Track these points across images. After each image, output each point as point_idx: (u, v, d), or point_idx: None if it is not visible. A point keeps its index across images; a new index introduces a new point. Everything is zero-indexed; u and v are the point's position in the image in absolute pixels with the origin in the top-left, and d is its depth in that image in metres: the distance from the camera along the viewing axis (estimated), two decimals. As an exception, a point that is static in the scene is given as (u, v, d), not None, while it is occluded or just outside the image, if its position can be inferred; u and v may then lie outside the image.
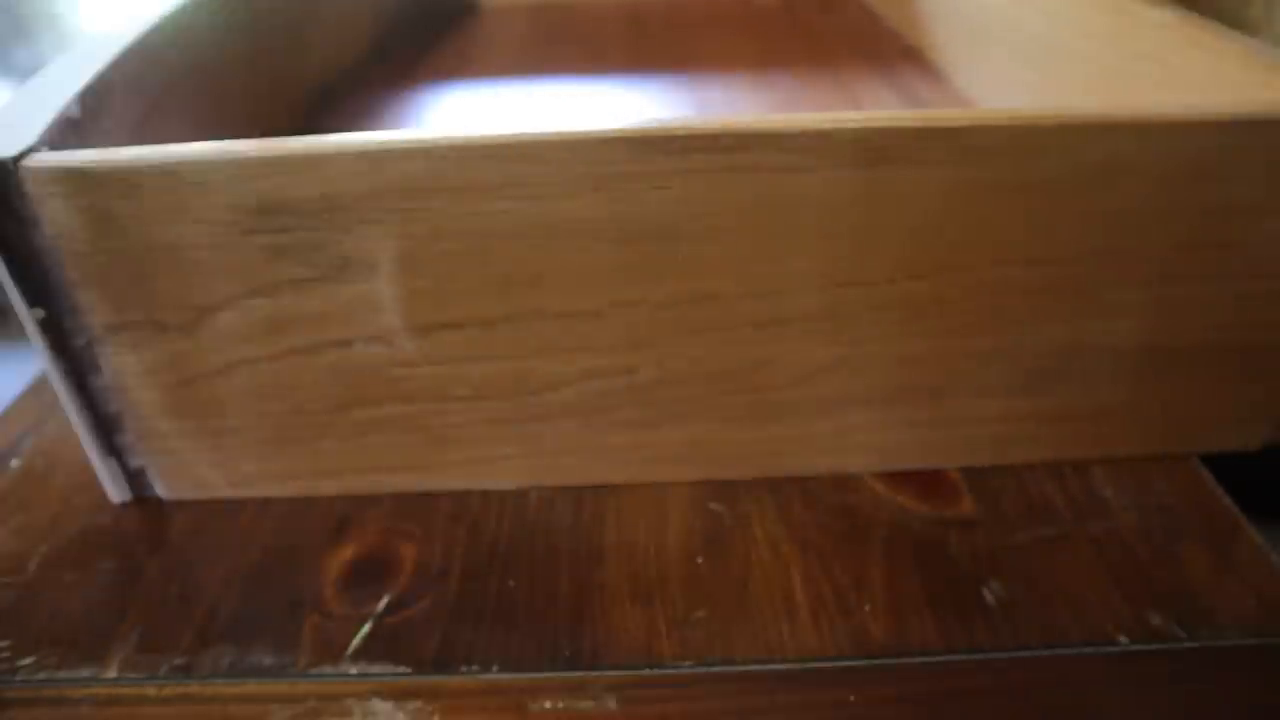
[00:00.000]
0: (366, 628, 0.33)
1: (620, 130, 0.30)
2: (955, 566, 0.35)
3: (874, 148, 0.31)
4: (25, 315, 0.33)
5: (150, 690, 0.32)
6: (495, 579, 0.35)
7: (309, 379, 0.35)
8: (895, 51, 0.80)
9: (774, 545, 0.37)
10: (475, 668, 0.32)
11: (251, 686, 0.32)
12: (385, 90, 0.74)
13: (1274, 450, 0.41)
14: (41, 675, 0.32)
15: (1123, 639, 0.33)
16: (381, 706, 0.31)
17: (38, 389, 0.47)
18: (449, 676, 0.32)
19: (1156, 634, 0.33)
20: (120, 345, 0.34)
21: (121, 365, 0.35)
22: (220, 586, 0.36)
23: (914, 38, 0.81)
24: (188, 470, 0.38)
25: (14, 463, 0.42)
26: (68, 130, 0.33)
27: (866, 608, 0.34)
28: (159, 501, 0.39)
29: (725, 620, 0.34)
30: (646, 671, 0.32)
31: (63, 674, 0.32)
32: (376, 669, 0.32)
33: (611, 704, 0.31)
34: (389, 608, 0.34)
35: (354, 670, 0.32)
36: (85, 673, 0.32)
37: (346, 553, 0.37)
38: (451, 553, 0.37)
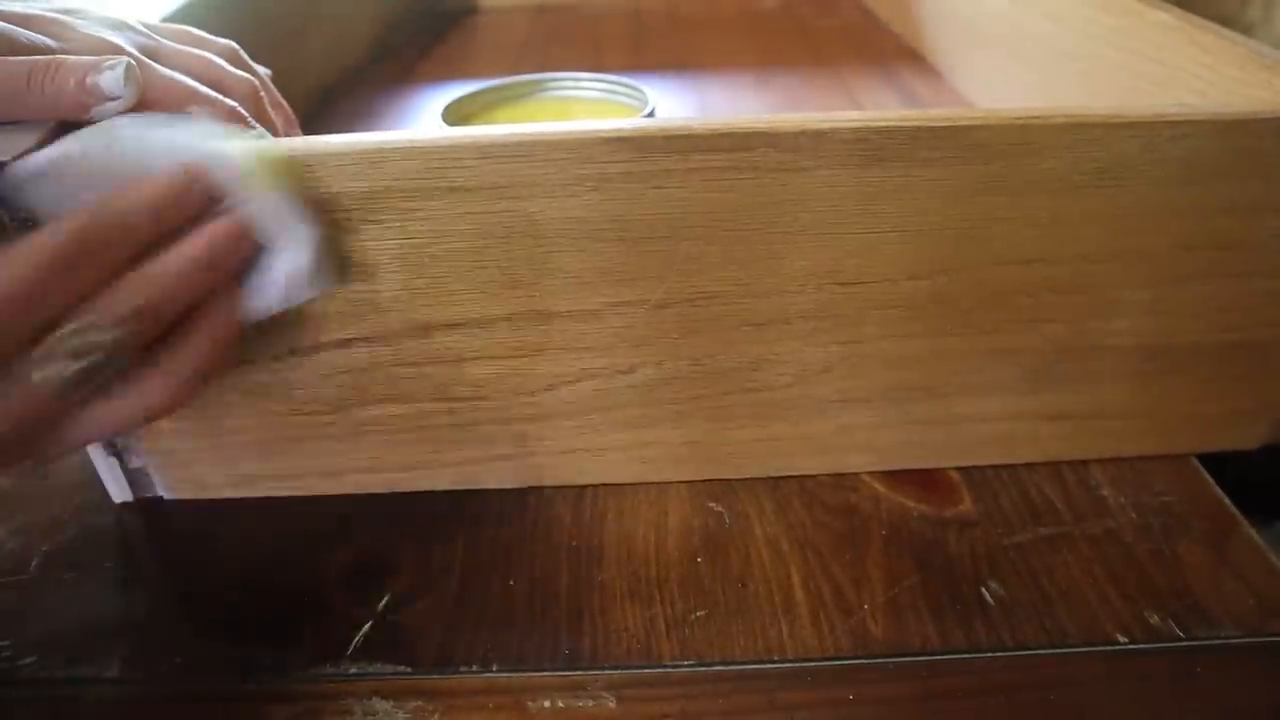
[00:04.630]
0: (366, 628, 0.34)
1: (620, 130, 0.30)
2: (955, 566, 0.35)
3: (874, 147, 0.31)
4: (25, 315, 0.33)
5: (150, 690, 0.32)
6: (495, 579, 0.36)
7: (309, 379, 0.35)
8: (894, 52, 0.80)
9: (774, 545, 0.37)
10: (475, 668, 0.32)
11: (251, 686, 0.32)
12: (385, 90, 0.74)
13: (1273, 450, 0.41)
14: (42, 675, 0.32)
15: (1121, 638, 0.33)
16: (381, 706, 0.31)
17: (38, 389, 0.47)
18: (449, 676, 0.32)
19: (1155, 633, 0.33)
20: (120, 345, 0.34)
21: (122, 365, 0.35)
22: (220, 586, 0.36)
23: (913, 38, 0.81)
24: (188, 470, 0.38)
25: (14, 463, 0.42)
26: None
27: (866, 607, 0.34)
28: (160, 501, 0.39)
29: (725, 620, 0.34)
30: (646, 671, 0.32)
31: (63, 674, 0.32)
32: (376, 669, 0.32)
33: (611, 703, 0.31)
34: (389, 608, 0.34)
35: (354, 670, 0.32)
36: (85, 673, 0.32)
37: (346, 553, 0.37)
38: (451, 553, 0.37)
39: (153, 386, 0.28)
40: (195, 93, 0.34)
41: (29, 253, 0.25)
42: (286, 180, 0.30)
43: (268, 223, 0.29)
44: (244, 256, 0.30)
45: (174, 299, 0.28)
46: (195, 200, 0.28)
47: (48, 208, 0.29)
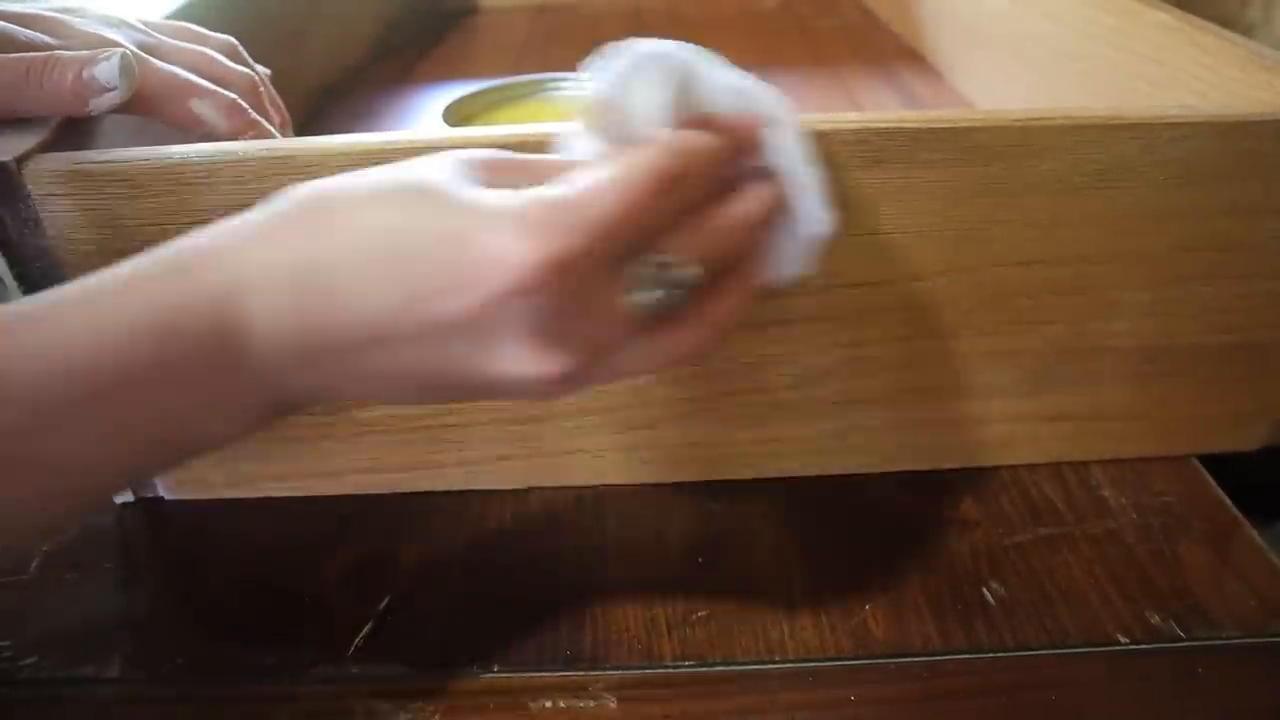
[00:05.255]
0: (367, 628, 0.34)
1: (621, 131, 0.30)
2: (955, 566, 0.35)
3: (874, 149, 0.31)
4: (26, 315, 0.33)
5: (150, 690, 0.32)
6: (495, 579, 0.35)
7: (309, 379, 0.35)
8: (895, 52, 0.80)
9: (774, 545, 0.37)
10: (475, 668, 0.32)
11: (252, 687, 0.32)
12: (385, 90, 0.74)
13: (1273, 451, 0.41)
14: (42, 675, 0.32)
15: (1122, 639, 0.33)
16: (382, 706, 0.31)
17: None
18: (449, 676, 0.32)
19: (1156, 633, 0.33)
20: (121, 345, 0.34)
21: (122, 365, 0.35)
22: (220, 586, 0.36)
23: (913, 38, 0.81)
24: (188, 470, 0.38)
25: (14, 463, 0.42)
26: (69, 131, 0.33)
27: (867, 608, 0.34)
28: (159, 501, 0.39)
29: (726, 620, 0.34)
30: (647, 671, 0.32)
31: (63, 674, 0.32)
32: (376, 669, 0.32)
33: (612, 704, 0.31)
34: (389, 607, 0.34)
35: (354, 670, 0.32)
36: (85, 673, 0.32)
37: (346, 553, 0.37)
38: (451, 553, 0.37)
39: (686, 335, 0.27)
40: (194, 86, 0.34)
41: (634, 179, 0.24)
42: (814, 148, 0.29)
43: (799, 185, 0.28)
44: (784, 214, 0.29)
45: (742, 246, 0.27)
46: (759, 149, 0.28)
47: (619, 114, 0.28)
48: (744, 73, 0.28)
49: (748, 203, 0.27)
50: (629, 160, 0.25)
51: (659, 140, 0.26)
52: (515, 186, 0.24)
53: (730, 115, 0.28)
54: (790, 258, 0.30)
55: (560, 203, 0.23)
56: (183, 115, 0.34)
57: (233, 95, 0.35)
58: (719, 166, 0.27)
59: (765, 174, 0.28)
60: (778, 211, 0.28)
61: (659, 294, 0.25)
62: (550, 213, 0.23)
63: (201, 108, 0.34)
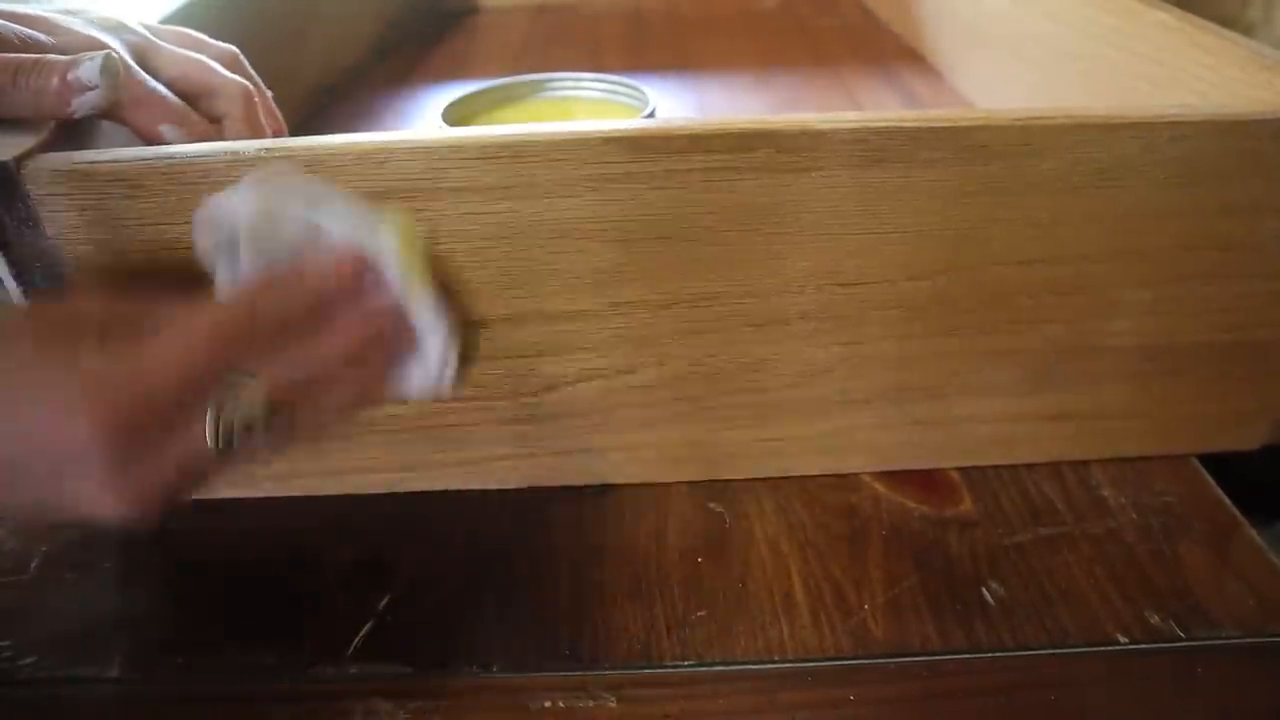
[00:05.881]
0: (366, 628, 0.34)
1: (620, 130, 0.30)
2: (955, 566, 0.35)
3: (874, 148, 0.31)
4: (26, 315, 0.33)
5: (150, 690, 0.32)
6: (495, 579, 0.36)
7: (309, 379, 0.35)
8: (894, 52, 0.80)
9: (774, 545, 0.37)
10: (475, 668, 0.32)
11: (252, 687, 0.32)
12: (385, 90, 0.74)
13: (1274, 450, 0.41)
14: (42, 675, 0.32)
15: (1122, 639, 0.33)
16: (382, 706, 0.31)
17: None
18: (449, 676, 0.32)
19: (1156, 633, 0.33)
20: (121, 345, 0.34)
21: (122, 365, 0.35)
22: (220, 586, 0.36)
23: (913, 38, 0.81)
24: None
25: (14, 463, 0.42)
26: (69, 131, 0.33)
27: (866, 607, 0.34)
28: (159, 501, 0.39)
29: (725, 620, 0.34)
30: (646, 671, 0.32)
31: (63, 674, 0.32)
32: (376, 669, 0.32)
33: (612, 703, 0.31)
34: (389, 608, 0.34)
35: (354, 670, 0.32)
36: (85, 673, 0.32)
37: (346, 553, 0.37)
38: (451, 553, 0.37)
39: (280, 437, 0.28)
40: (172, 111, 0.35)
41: (214, 322, 0.26)
42: (427, 270, 0.29)
43: (418, 311, 0.29)
44: (397, 342, 0.30)
45: (329, 376, 0.28)
46: (357, 286, 0.29)
47: (208, 253, 0.29)
48: (360, 204, 0.29)
49: (343, 332, 0.28)
50: (199, 310, 0.27)
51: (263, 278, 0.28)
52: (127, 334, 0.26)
53: (341, 247, 0.28)
54: (423, 375, 0.30)
55: (122, 370, 0.25)
56: (152, 135, 0.34)
57: (207, 124, 0.36)
58: (312, 303, 0.28)
59: (383, 300, 0.29)
60: (394, 334, 0.29)
61: (238, 419, 0.26)
62: (112, 377, 0.25)
63: (171, 134, 0.34)
